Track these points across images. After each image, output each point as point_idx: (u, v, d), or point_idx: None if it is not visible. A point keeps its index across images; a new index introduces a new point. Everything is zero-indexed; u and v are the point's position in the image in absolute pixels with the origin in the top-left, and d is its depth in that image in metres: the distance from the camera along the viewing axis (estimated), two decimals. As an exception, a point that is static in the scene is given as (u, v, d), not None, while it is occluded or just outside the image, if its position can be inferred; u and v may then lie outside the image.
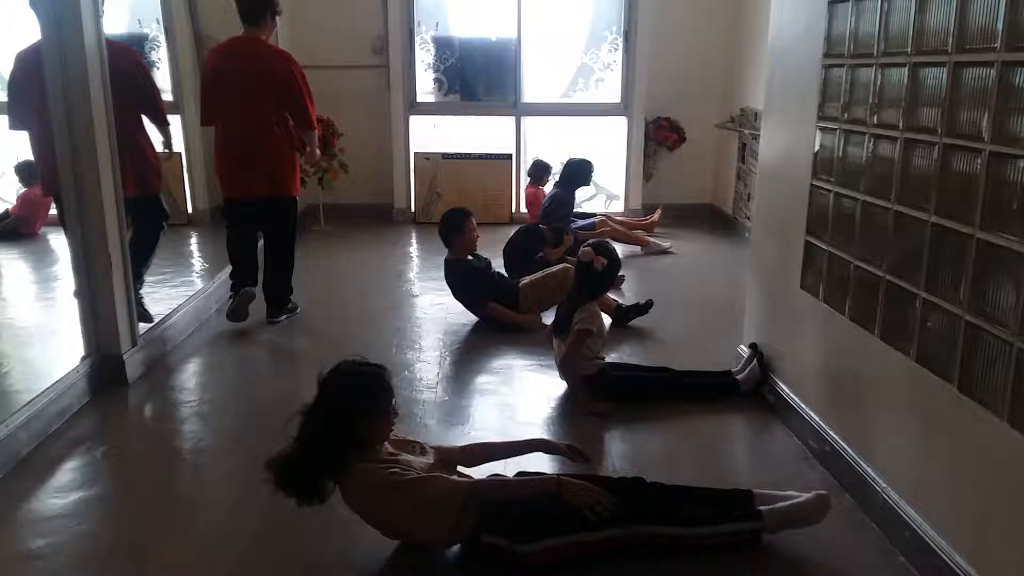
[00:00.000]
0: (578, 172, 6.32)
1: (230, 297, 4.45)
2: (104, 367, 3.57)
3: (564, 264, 4.68)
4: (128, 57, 4.06)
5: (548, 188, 6.76)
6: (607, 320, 4.32)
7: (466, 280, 4.54)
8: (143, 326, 3.88)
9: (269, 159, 4.29)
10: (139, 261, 4.11)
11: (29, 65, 3.67)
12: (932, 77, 2.28)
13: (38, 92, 3.43)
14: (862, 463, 2.71)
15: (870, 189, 2.63)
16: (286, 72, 4.25)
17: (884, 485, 2.56)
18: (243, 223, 4.46)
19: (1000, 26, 1.96)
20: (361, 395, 2.27)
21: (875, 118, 2.60)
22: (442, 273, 4.65)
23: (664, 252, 6.33)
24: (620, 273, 5.36)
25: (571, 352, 3.48)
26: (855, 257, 2.73)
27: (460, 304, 4.63)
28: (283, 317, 4.58)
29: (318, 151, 4.64)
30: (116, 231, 3.57)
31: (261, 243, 4.61)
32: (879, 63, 2.57)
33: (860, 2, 2.68)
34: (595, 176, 7.69)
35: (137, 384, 3.68)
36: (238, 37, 4.35)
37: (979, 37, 2.07)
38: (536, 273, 4.67)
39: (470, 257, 4.58)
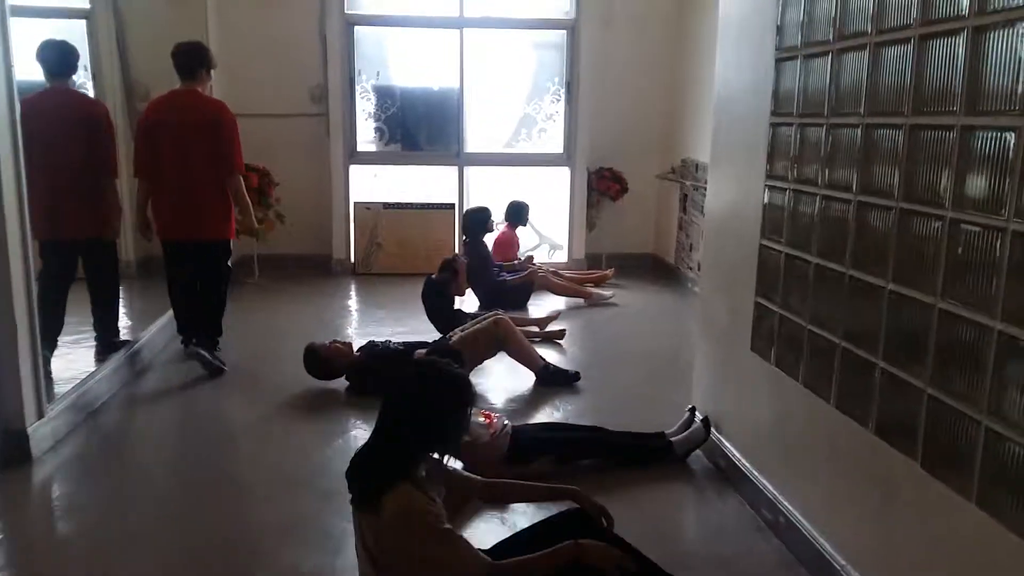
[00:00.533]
0: (473, 222, 6.17)
1: (183, 343, 4.67)
2: (5, 442, 3.27)
3: (495, 316, 4.49)
4: (100, 110, 4.46)
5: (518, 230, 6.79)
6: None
7: (366, 376, 4.27)
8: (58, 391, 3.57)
9: (203, 205, 4.49)
10: (99, 305, 4.48)
11: None
12: (888, 139, 2.20)
13: None
14: (819, 538, 2.58)
15: (823, 251, 2.54)
16: (217, 121, 4.46)
17: (843, 563, 2.43)
18: (179, 266, 4.60)
19: (959, 88, 1.89)
20: (459, 396, 2.14)
21: (826, 178, 2.52)
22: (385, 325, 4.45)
23: (606, 303, 6.23)
24: (561, 328, 5.28)
25: (479, 466, 2.98)
26: (808, 321, 2.63)
27: None
28: (203, 352, 4.50)
29: (246, 197, 4.67)
30: (23, 292, 3.30)
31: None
32: (829, 123, 2.50)
33: (809, 60, 2.63)
34: (537, 225, 7.66)
35: (43, 460, 3.37)
36: (175, 91, 4.55)
37: (937, 99, 2.00)
38: (466, 328, 4.47)
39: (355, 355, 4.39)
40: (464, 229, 6.35)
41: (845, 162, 2.41)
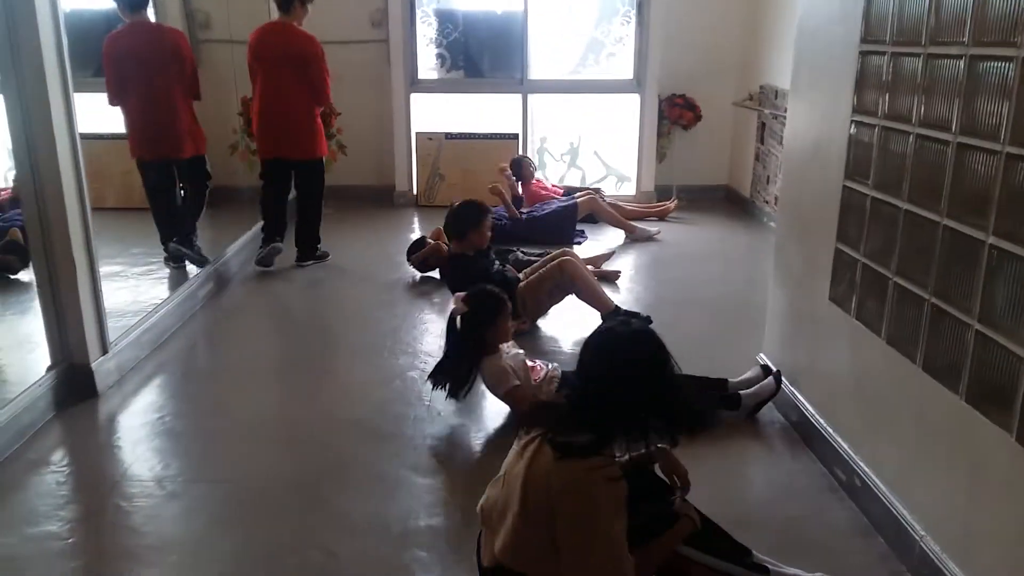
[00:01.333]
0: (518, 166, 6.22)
1: (260, 247, 5.22)
2: (71, 378, 3.31)
3: (561, 256, 4.31)
4: (183, 40, 4.86)
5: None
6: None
7: (464, 275, 4.18)
8: (116, 328, 3.59)
9: (299, 127, 5.07)
10: (193, 213, 4.97)
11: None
12: (994, 71, 1.94)
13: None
14: (897, 504, 2.41)
15: (914, 197, 2.31)
16: (311, 54, 5.04)
17: (922, 533, 2.27)
18: (276, 182, 5.24)
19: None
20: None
21: (921, 115, 2.27)
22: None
23: (650, 239, 5.98)
24: (616, 268, 5.09)
25: (522, 412, 3.10)
26: (894, 272, 2.41)
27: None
28: (310, 262, 5.29)
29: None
30: (80, 229, 3.28)
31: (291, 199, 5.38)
32: (927, 53, 2.23)
33: (905, -20, 2.34)
34: (603, 155, 7.41)
35: (108, 395, 3.42)
36: (272, 23, 5.15)
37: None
38: (532, 271, 4.32)
39: (470, 254, 4.24)
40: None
41: (944, 96, 2.15)
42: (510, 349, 3.27)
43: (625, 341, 1.92)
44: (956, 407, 2.10)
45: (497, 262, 4.37)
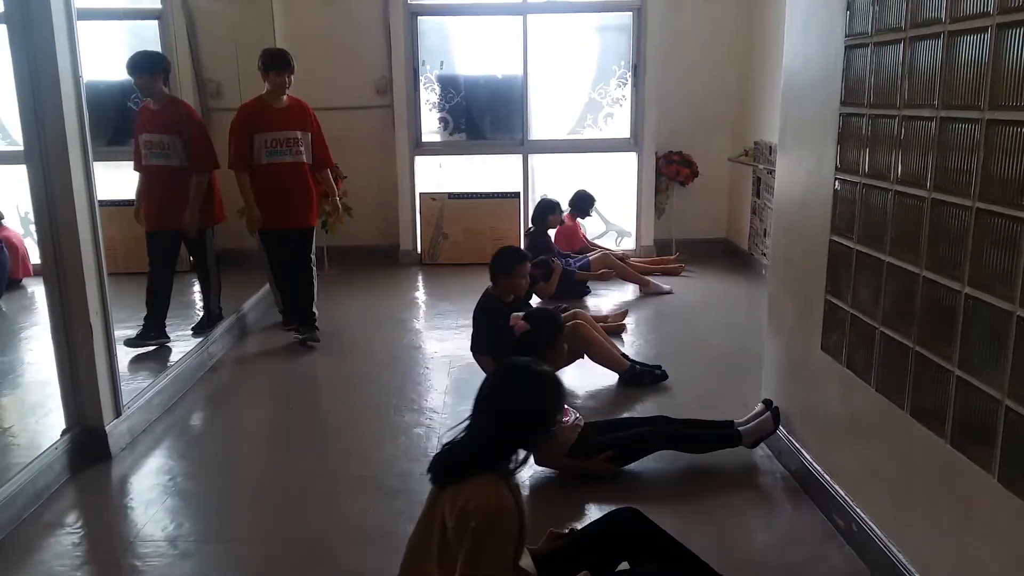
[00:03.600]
0: (538, 212, 6.26)
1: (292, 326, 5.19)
2: (85, 441, 3.40)
3: (574, 320, 4.38)
4: (185, 111, 4.87)
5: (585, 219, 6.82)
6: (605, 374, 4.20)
7: (485, 315, 4.21)
8: (129, 390, 3.69)
9: (301, 196, 5.02)
10: (202, 290, 5.09)
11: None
12: (963, 133, 2.07)
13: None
14: (894, 549, 2.47)
15: (895, 249, 2.42)
16: (310, 120, 5.03)
17: (917, 575, 2.32)
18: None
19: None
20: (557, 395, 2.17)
21: (899, 172, 2.39)
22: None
23: (662, 294, 6.09)
24: (623, 322, 5.18)
25: (543, 446, 3.12)
26: (880, 323, 2.51)
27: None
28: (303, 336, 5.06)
29: (335, 187, 5.44)
30: (96, 294, 3.40)
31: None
32: (903, 115, 2.36)
33: (880, 48, 2.49)
34: (604, 212, 7.57)
35: (121, 457, 3.50)
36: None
37: (1013, 93, 1.86)
38: None
39: (507, 300, 4.23)
40: (533, 218, 6.33)
41: (919, 156, 2.28)
42: None
43: (533, 377, 2.12)
44: (942, 450, 2.18)
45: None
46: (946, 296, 2.14)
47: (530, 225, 6.37)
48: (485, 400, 2.11)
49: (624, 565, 2.43)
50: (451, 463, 2.07)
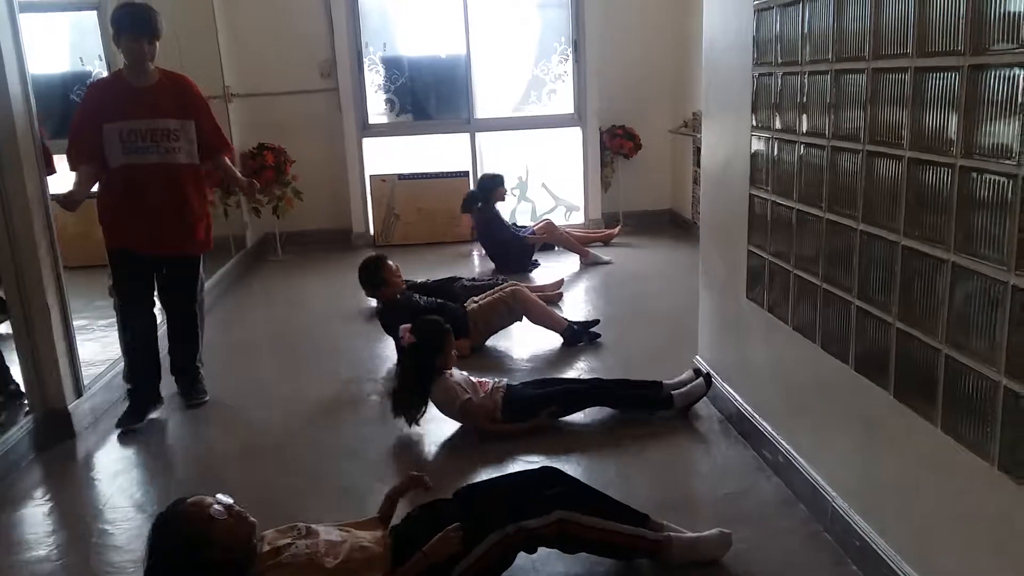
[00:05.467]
0: (483, 189, 6.38)
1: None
2: (49, 421, 3.49)
3: (512, 286, 4.61)
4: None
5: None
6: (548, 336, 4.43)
7: (401, 315, 4.39)
8: (88, 375, 3.78)
9: (174, 212, 3.74)
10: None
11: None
12: (853, 84, 2.28)
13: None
14: (813, 473, 2.69)
15: (803, 197, 2.62)
16: (192, 103, 3.75)
17: (833, 494, 2.55)
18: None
19: (911, 32, 1.96)
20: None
21: (804, 125, 2.60)
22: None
23: (601, 263, 6.30)
24: (559, 291, 5.38)
25: (475, 423, 3.40)
26: (794, 266, 2.72)
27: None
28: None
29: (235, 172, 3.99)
30: (52, 276, 3.49)
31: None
32: (805, 71, 2.56)
33: (784, 8, 2.68)
34: (551, 187, 7.75)
35: (85, 435, 3.60)
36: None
37: (893, 43, 2.07)
38: (485, 295, 4.61)
39: (398, 296, 4.46)
40: (477, 196, 6.46)
41: (819, 108, 2.48)
42: (454, 372, 3.50)
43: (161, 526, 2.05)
44: (848, 376, 2.40)
45: (424, 297, 4.60)
46: (846, 235, 2.35)
47: (477, 204, 6.45)
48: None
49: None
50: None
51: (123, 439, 3.54)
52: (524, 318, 4.53)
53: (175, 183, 3.61)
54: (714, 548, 2.49)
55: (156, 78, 3.58)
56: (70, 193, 3.39)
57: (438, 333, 3.47)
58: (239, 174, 3.98)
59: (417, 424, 3.44)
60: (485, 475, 3.05)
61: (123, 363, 3.91)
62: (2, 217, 3.34)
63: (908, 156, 2.01)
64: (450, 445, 3.42)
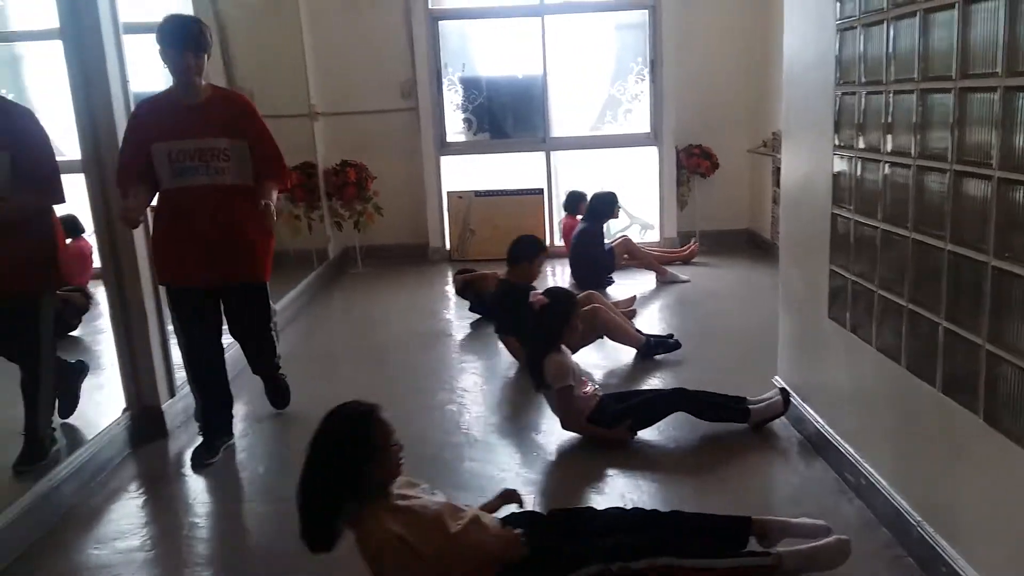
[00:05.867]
0: (602, 205, 6.39)
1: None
2: (144, 419, 3.67)
3: (593, 305, 4.62)
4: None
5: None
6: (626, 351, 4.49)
7: (508, 300, 4.55)
8: (180, 376, 3.94)
9: (229, 238, 3.49)
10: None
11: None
12: (939, 103, 2.25)
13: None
14: (897, 496, 2.64)
15: (888, 216, 2.60)
16: (247, 121, 3.51)
17: (919, 519, 2.50)
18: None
19: (1000, 50, 1.95)
20: (357, 440, 2.18)
21: (888, 145, 2.58)
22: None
23: (679, 282, 6.28)
24: (632, 307, 5.37)
25: (564, 411, 3.46)
26: (878, 286, 2.69)
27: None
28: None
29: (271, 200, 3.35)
30: (150, 283, 3.67)
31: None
32: (890, 89, 2.55)
33: (868, 28, 2.67)
34: (627, 206, 7.76)
35: (176, 434, 3.77)
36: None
37: (981, 62, 2.05)
38: None
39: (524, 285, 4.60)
40: (588, 211, 6.47)
41: (904, 127, 2.46)
42: (570, 356, 3.58)
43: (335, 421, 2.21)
44: (934, 398, 2.36)
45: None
46: (932, 255, 2.32)
47: (582, 222, 6.46)
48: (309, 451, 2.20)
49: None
50: (314, 533, 2.15)
51: (197, 470, 3.44)
52: (605, 336, 4.56)
53: (226, 205, 3.32)
54: (834, 556, 2.44)
55: (207, 95, 3.32)
56: (127, 210, 3.14)
57: (570, 301, 3.59)
58: (267, 198, 3.29)
59: (547, 389, 3.49)
60: (576, 489, 3.10)
61: (193, 400, 3.65)
62: (106, 226, 3.54)
63: (998, 176, 1.99)
64: (536, 457, 3.47)
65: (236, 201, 3.34)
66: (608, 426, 3.46)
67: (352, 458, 2.14)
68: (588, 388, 3.54)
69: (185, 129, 3.24)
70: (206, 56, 3.27)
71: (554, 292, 3.66)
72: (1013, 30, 1.91)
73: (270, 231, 3.39)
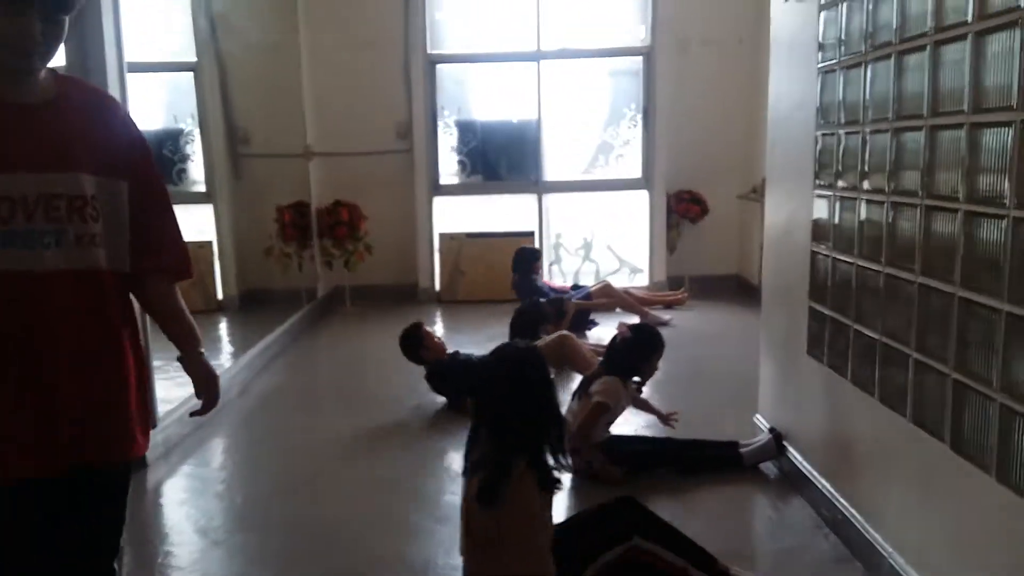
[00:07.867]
0: (518, 258, 6.54)
1: None
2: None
3: (561, 333, 4.69)
4: None
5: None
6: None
7: (445, 378, 4.56)
8: (162, 409, 3.95)
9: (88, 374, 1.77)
10: None
11: None
12: (911, 141, 2.32)
13: None
14: (870, 529, 2.65)
15: (863, 253, 2.65)
16: (122, 141, 1.91)
17: (890, 550, 2.50)
18: None
19: (966, 90, 2.01)
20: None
21: (865, 183, 2.64)
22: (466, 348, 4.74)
23: (662, 324, 6.28)
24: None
25: (586, 423, 3.48)
26: (853, 320, 2.73)
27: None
28: None
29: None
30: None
31: None
32: (866, 129, 2.61)
33: (847, 70, 2.75)
34: (616, 249, 7.83)
35: (156, 465, 3.75)
36: None
37: (948, 100, 2.12)
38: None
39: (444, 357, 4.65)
40: (514, 264, 6.59)
41: (878, 166, 2.53)
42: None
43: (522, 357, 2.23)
44: (904, 429, 2.38)
45: (474, 354, 4.69)
46: (905, 290, 2.37)
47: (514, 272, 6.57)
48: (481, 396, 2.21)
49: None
50: (490, 482, 2.03)
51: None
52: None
53: (96, 312, 1.67)
54: None
55: (53, 92, 1.63)
56: None
57: (658, 343, 3.68)
58: (195, 341, 1.98)
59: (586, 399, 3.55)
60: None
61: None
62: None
63: (963, 209, 2.04)
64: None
65: (111, 302, 1.70)
66: (607, 459, 3.49)
67: (552, 394, 2.17)
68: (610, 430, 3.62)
69: (18, 153, 1.55)
70: (66, 20, 1.58)
71: (642, 328, 3.81)
72: (976, 72, 1.98)
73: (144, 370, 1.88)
